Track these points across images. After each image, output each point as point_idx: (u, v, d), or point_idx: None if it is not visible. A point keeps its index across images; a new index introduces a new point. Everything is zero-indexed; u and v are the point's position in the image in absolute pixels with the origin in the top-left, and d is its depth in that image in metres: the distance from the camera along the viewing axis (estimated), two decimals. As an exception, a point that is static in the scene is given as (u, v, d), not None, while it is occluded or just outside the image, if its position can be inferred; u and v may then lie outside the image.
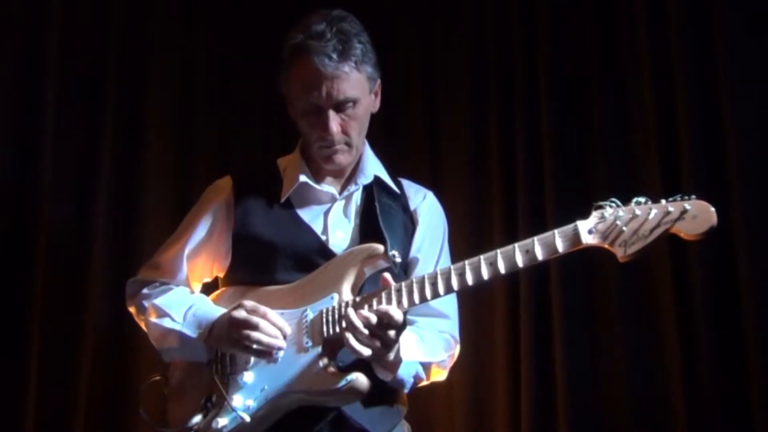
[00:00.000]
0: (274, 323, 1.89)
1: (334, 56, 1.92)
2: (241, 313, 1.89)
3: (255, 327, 1.87)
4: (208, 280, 2.16)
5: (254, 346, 1.87)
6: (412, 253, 2.07)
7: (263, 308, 1.89)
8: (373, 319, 1.79)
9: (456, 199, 2.80)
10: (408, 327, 1.97)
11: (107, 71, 2.84)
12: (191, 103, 2.99)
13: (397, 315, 1.80)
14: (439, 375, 2.06)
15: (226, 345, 1.93)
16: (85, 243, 2.72)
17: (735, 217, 2.33)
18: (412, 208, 2.12)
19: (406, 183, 2.18)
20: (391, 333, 1.81)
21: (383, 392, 1.94)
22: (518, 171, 2.74)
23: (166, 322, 1.99)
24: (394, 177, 2.15)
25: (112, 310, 2.62)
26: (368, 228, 2.02)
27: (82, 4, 2.85)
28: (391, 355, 1.86)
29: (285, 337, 1.89)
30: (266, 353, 1.88)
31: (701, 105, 2.46)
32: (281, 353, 1.89)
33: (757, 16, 2.44)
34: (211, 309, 2.00)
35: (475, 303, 2.66)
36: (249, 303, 1.90)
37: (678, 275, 2.44)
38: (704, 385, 2.36)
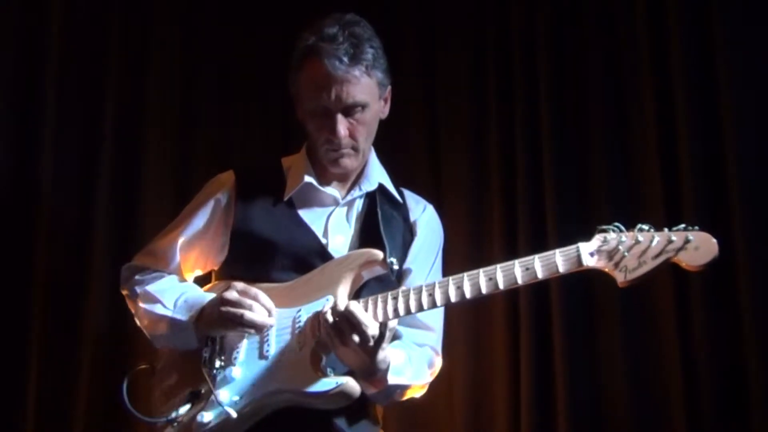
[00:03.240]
0: (263, 304, 1.90)
1: (345, 60, 1.92)
2: (232, 294, 1.90)
3: (248, 307, 1.88)
4: (200, 272, 2.15)
5: (245, 324, 1.89)
6: (406, 264, 2.08)
7: (254, 289, 1.91)
8: (346, 323, 1.79)
9: (455, 200, 2.82)
10: (398, 343, 2.00)
11: (107, 70, 2.83)
12: (191, 102, 2.97)
13: (373, 329, 1.80)
14: (417, 392, 2.07)
15: (217, 324, 1.93)
16: (85, 241, 2.72)
17: (735, 221, 2.36)
18: (412, 219, 2.13)
19: (407, 193, 2.18)
20: (361, 341, 1.81)
21: (365, 399, 1.95)
22: (518, 172, 2.75)
23: (158, 309, 1.99)
24: (396, 186, 2.16)
25: (112, 308, 2.61)
26: (369, 234, 2.02)
27: (82, 4, 2.83)
28: (380, 373, 1.87)
29: (271, 314, 1.92)
30: (256, 329, 1.90)
31: (701, 105, 2.48)
32: (272, 350, 1.90)
33: (757, 15, 2.47)
34: (202, 295, 2.01)
35: (475, 304, 2.63)
36: (240, 284, 1.91)
37: (678, 278, 2.45)
38: (704, 388, 2.39)
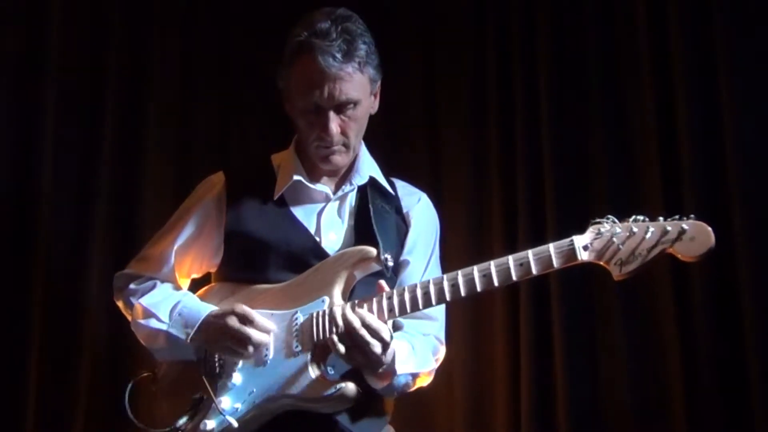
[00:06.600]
0: (264, 329, 1.88)
1: (339, 56, 1.89)
2: (233, 322, 1.87)
3: (247, 338, 1.86)
4: (197, 276, 2.13)
5: (244, 354, 1.87)
6: (403, 255, 2.06)
7: (252, 315, 1.88)
8: (362, 331, 1.77)
9: (455, 198, 2.81)
10: (400, 334, 1.97)
11: (107, 71, 2.83)
12: (191, 101, 2.97)
13: (385, 335, 1.79)
14: (425, 381, 2.05)
15: (215, 348, 1.92)
16: (85, 245, 2.72)
17: (735, 217, 2.34)
18: (405, 210, 2.10)
19: (399, 184, 2.16)
20: (376, 348, 1.79)
21: (370, 398, 1.93)
22: (518, 170, 2.74)
23: (153, 323, 1.97)
24: (387, 177, 2.13)
25: (112, 311, 2.55)
26: (361, 230, 2.00)
27: (82, 4, 2.84)
28: (385, 366, 1.84)
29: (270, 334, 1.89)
30: (249, 358, 1.89)
31: (701, 103, 2.47)
32: (270, 355, 1.88)
33: (757, 14, 2.45)
34: (198, 307, 1.98)
35: (474, 302, 2.66)
36: (240, 309, 1.88)
37: (677, 275, 2.43)
38: (704, 386, 2.37)
